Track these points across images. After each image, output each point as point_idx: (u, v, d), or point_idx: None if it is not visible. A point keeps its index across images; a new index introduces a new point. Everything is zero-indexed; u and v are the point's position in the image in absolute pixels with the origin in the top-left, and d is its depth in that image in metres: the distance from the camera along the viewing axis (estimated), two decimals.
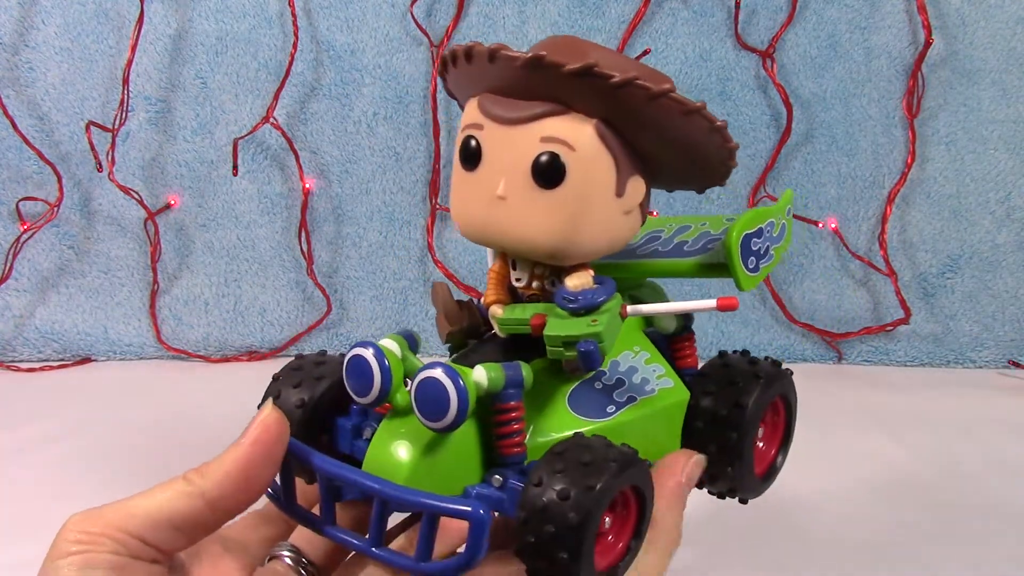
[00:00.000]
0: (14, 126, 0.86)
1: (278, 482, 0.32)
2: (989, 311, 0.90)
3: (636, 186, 0.32)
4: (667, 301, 0.38)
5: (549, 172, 0.30)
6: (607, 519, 0.29)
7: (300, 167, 0.89)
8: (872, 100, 0.88)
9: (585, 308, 0.31)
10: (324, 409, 0.34)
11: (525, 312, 0.32)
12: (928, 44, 0.85)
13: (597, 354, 0.30)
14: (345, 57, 0.89)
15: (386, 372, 0.30)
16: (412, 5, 0.87)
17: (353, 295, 0.93)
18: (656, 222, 0.40)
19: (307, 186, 0.89)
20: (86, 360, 0.91)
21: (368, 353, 0.30)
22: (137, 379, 0.86)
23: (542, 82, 0.30)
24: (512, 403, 0.31)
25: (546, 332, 0.31)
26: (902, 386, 0.85)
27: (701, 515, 0.53)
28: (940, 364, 0.91)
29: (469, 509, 0.27)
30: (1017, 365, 0.90)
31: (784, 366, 0.38)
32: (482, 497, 0.30)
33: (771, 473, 0.38)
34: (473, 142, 0.32)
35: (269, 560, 0.33)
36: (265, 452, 0.30)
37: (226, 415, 0.75)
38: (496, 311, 0.33)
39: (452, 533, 0.32)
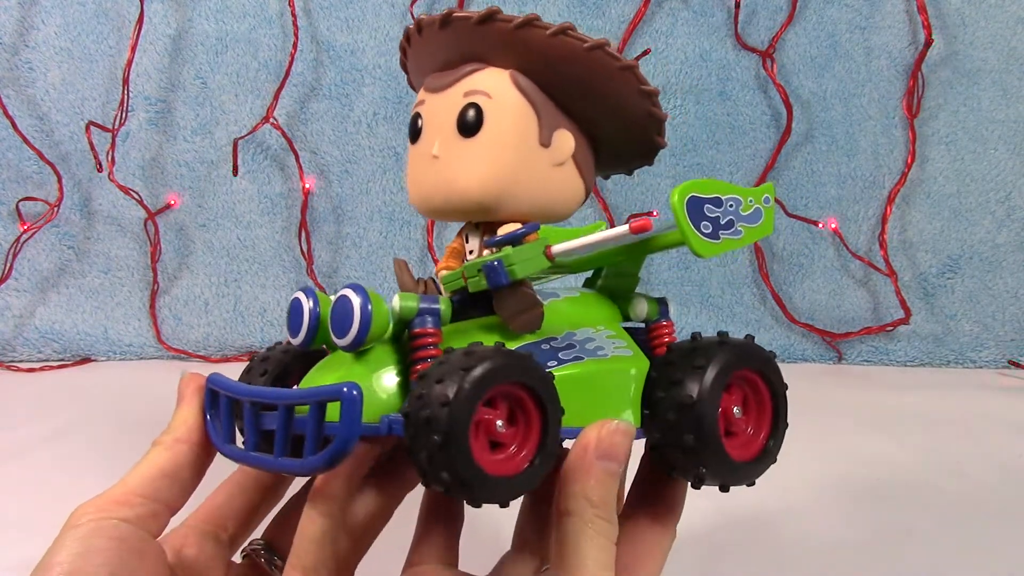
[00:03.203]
0: (14, 126, 0.86)
1: (212, 426, 0.33)
2: (989, 311, 0.90)
3: (564, 139, 0.33)
4: (657, 309, 0.38)
5: (467, 120, 0.32)
6: (499, 422, 0.29)
7: (300, 167, 0.89)
8: (872, 100, 0.88)
9: (506, 243, 0.32)
10: (290, 379, 0.35)
11: (461, 268, 0.33)
12: (928, 44, 0.85)
13: (501, 270, 0.31)
14: (345, 57, 0.89)
15: (314, 313, 0.31)
16: (412, 5, 0.87)
17: None
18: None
19: (307, 186, 0.89)
20: (86, 360, 0.91)
21: (301, 295, 0.32)
22: (137, 379, 0.86)
23: (462, 43, 0.32)
24: (428, 328, 0.31)
25: (464, 265, 0.32)
26: (902, 386, 0.85)
27: (700, 514, 0.53)
28: (940, 364, 0.91)
29: (343, 389, 0.28)
30: (1017, 365, 0.90)
31: (781, 368, 0.37)
32: (395, 423, 0.29)
33: (763, 457, 0.36)
34: (419, 119, 0.34)
35: (243, 557, 0.34)
36: (202, 399, 0.34)
37: None
38: (442, 273, 0.34)
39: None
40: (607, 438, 0.31)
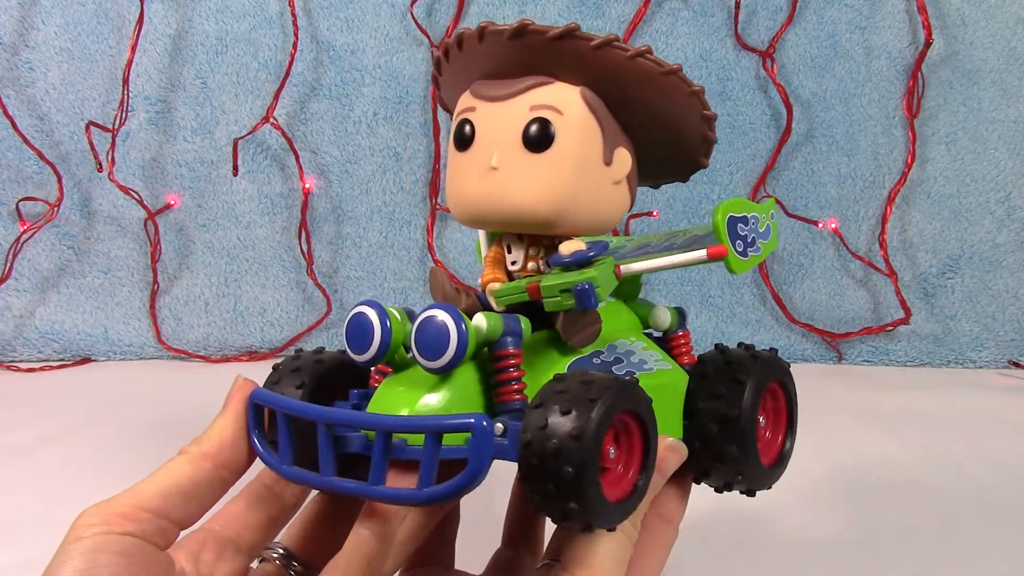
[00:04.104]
0: (14, 126, 0.86)
1: (263, 446, 0.32)
2: (989, 311, 0.90)
3: (623, 157, 0.34)
4: (678, 319, 0.39)
5: (539, 136, 0.32)
6: (611, 449, 0.29)
7: (300, 167, 0.89)
8: (872, 100, 0.88)
9: (577, 264, 0.32)
10: (322, 391, 0.34)
11: (520, 282, 0.33)
12: (928, 44, 0.85)
13: (592, 293, 0.31)
14: (345, 57, 0.89)
15: (386, 328, 0.30)
16: (412, 5, 0.87)
17: (353, 295, 0.93)
18: (616, 241, 0.40)
19: (307, 186, 0.89)
20: (86, 360, 0.91)
21: (369, 310, 0.30)
22: (137, 379, 0.86)
23: (528, 55, 0.32)
24: (510, 350, 0.31)
25: (542, 283, 0.31)
26: (902, 386, 0.85)
27: (701, 514, 0.53)
28: (940, 364, 0.91)
29: (472, 421, 0.27)
30: (1017, 365, 0.90)
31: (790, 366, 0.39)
32: (497, 449, 0.29)
33: (781, 460, 0.38)
34: (468, 126, 0.33)
35: (260, 562, 0.33)
36: (245, 413, 0.32)
37: None
38: (494, 286, 0.34)
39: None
40: (660, 452, 0.32)
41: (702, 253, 0.33)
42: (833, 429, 0.72)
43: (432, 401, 0.30)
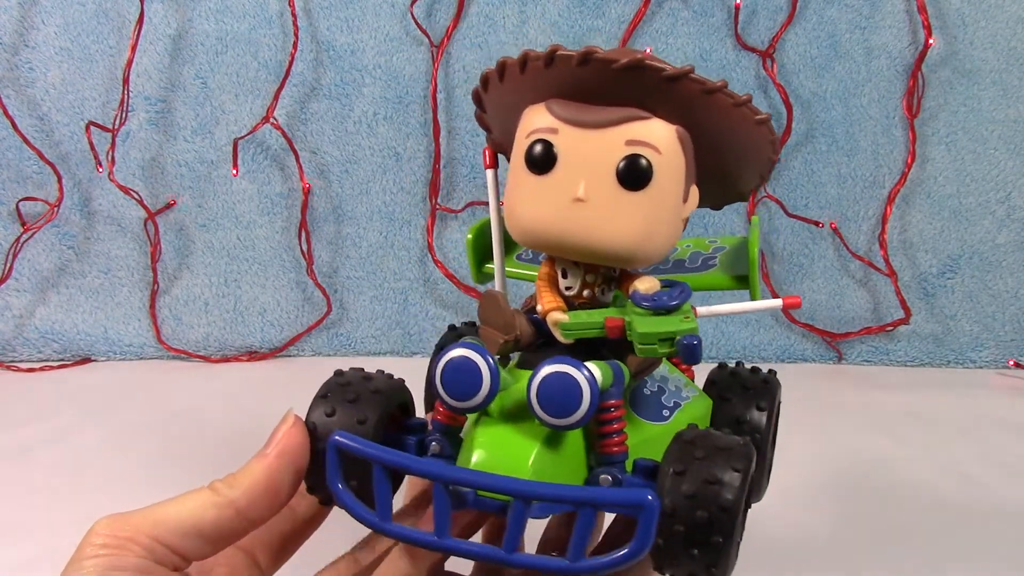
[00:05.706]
0: (14, 126, 0.86)
1: (355, 503, 0.30)
2: (989, 311, 0.90)
3: (694, 195, 0.33)
4: None
5: (637, 174, 0.31)
6: None
7: (300, 167, 0.89)
8: (872, 100, 0.88)
9: (664, 308, 0.31)
10: (385, 426, 0.32)
11: (592, 316, 0.32)
12: (928, 44, 0.85)
13: (700, 348, 0.30)
14: (345, 57, 0.89)
15: (495, 375, 0.29)
16: (412, 5, 0.87)
17: (353, 295, 0.93)
18: None
19: (307, 186, 0.89)
20: (86, 360, 0.91)
21: (474, 355, 0.29)
22: (137, 379, 0.86)
23: (626, 86, 0.30)
24: (615, 401, 0.31)
25: (641, 330, 0.30)
26: (902, 386, 0.85)
27: None
28: (940, 364, 0.91)
29: (640, 498, 0.27)
30: (1017, 365, 0.90)
31: (781, 368, 0.40)
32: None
33: (769, 472, 0.40)
34: (539, 146, 0.31)
35: None
36: (289, 463, 0.31)
37: (226, 415, 0.75)
38: (560, 316, 0.32)
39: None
40: None
41: (778, 303, 0.32)
42: (833, 429, 0.72)
43: (548, 458, 0.29)
